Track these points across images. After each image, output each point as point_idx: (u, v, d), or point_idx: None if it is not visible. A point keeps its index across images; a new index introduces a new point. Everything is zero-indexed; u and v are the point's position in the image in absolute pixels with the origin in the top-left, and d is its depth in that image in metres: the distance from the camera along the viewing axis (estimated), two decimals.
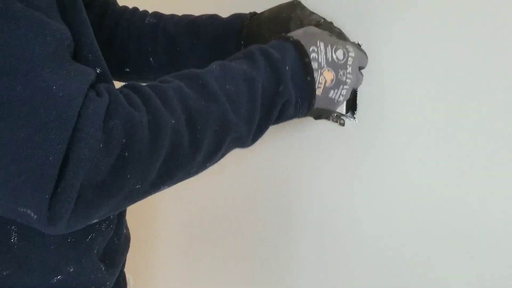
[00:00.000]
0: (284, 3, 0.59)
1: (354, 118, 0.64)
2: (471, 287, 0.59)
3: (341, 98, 0.52)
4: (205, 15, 0.63)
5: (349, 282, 0.73)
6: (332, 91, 0.51)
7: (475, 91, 0.53)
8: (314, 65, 0.49)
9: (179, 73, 0.46)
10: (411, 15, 0.56)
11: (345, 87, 0.51)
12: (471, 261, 0.58)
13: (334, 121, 0.65)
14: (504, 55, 0.50)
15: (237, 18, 0.60)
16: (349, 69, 0.51)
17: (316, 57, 0.49)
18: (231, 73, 0.45)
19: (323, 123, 0.67)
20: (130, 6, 0.68)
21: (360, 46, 0.58)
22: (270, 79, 0.47)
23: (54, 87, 0.33)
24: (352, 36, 0.60)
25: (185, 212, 1.07)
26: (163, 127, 0.38)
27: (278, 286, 0.85)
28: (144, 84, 0.42)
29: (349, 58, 0.51)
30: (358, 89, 0.61)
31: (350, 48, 0.52)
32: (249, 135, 0.46)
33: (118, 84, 0.70)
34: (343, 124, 0.65)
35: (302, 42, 0.49)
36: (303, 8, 0.57)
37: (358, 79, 0.56)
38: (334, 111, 0.54)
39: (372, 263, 0.69)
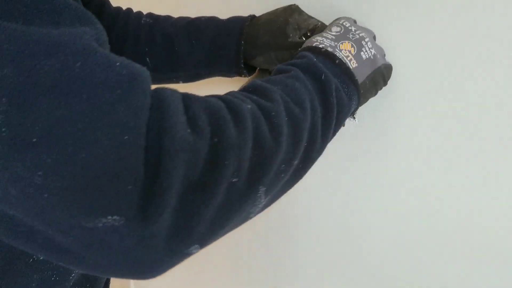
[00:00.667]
0: (281, 8, 0.59)
1: (354, 118, 0.63)
2: (471, 287, 0.59)
3: (373, 50, 0.51)
4: (203, 16, 0.62)
5: (350, 282, 0.72)
6: (362, 53, 0.50)
7: (475, 91, 0.53)
8: (329, 49, 0.48)
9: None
10: (411, 15, 0.56)
11: (366, 40, 0.51)
12: (471, 261, 0.58)
13: None
14: (504, 55, 0.50)
15: (237, 19, 0.60)
16: (353, 28, 0.51)
17: (324, 45, 0.49)
18: (274, 79, 0.44)
19: None
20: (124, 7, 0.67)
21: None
22: (310, 76, 0.45)
23: (118, 63, 0.28)
24: None
25: None
26: (241, 110, 0.35)
27: (279, 286, 0.85)
28: None
29: (345, 23, 0.52)
30: None
31: (340, 20, 0.53)
32: (317, 126, 0.43)
33: None
34: (343, 124, 0.65)
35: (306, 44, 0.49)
36: (300, 12, 0.58)
37: (366, 29, 0.54)
38: (383, 67, 0.53)
39: (372, 263, 0.68)
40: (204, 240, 0.33)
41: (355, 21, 0.56)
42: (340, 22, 0.52)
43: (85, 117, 0.26)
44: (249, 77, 0.63)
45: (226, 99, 0.36)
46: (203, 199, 0.31)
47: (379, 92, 0.57)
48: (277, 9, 0.59)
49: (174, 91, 0.32)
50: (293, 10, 0.58)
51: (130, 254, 0.29)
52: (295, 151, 0.40)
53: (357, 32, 0.51)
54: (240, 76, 0.62)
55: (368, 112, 0.63)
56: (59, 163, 0.26)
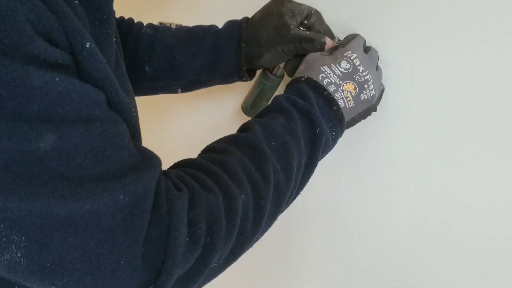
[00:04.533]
0: (269, 2, 0.60)
1: None
2: (471, 287, 0.59)
3: (373, 91, 0.53)
4: (202, 25, 0.64)
5: (349, 282, 0.73)
6: (361, 95, 0.52)
7: (476, 91, 0.53)
8: (332, 87, 0.50)
9: (225, 139, 0.47)
10: (411, 14, 0.56)
11: (369, 83, 0.52)
12: (471, 261, 0.58)
13: None
14: (505, 55, 0.50)
15: (233, 23, 0.61)
16: (361, 68, 0.52)
17: (329, 80, 0.51)
18: (273, 130, 0.46)
19: None
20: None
21: (338, 39, 0.59)
22: (307, 125, 0.48)
23: (121, 196, 0.32)
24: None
25: None
26: (236, 205, 0.39)
27: (279, 287, 0.85)
28: (202, 159, 0.43)
29: (355, 60, 0.52)
30: None
31: (348, 52, 0.53)
32: (295, 186, 0.47)
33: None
34: None
35: (312, 77, 0.51)
36: (290, 1, 0.58)
37: (373, 60, 0.55)
38: (376, 102, 0.55)
39: (372, 262, 0.69)
40: None
41: (365, 42, 0.56)
42: (352, 58, 0.52)
43: (88, 242, 0.30)
44: (253, 78, 0.64)
45: (225, 188, 0.40)
46: (188, 283, 0.37)
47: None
48: (265, 5, 0.60)
49: (184, 197, 0.36)
50: (282, 0, 0.58)
51: None
52: (273, 220, 0.45)
53: (363, 73, 0.52)
54: (241, 80, 0.63)
55: None
56: (67, 285, 0.31)
